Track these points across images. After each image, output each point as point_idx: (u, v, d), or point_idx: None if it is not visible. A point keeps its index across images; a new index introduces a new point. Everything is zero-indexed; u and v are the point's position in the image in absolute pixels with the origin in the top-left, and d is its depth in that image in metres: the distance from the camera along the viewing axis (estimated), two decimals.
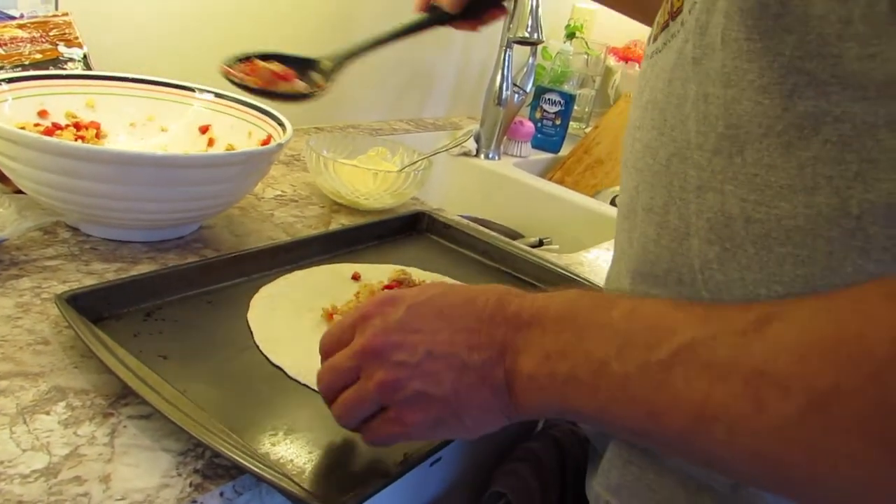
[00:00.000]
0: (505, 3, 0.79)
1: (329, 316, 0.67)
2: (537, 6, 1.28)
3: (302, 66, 0.72)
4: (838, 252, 0.37)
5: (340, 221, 0.92)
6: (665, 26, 0.47)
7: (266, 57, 0.71)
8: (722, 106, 0.40)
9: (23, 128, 0.76)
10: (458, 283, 0.48)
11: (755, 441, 0.32)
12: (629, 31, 2.13)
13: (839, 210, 0.36)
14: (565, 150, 1.68)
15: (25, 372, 0.53)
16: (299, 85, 0.69)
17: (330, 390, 0.47)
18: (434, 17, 0.75)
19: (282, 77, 0.68)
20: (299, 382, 0.58)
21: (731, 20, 0.39)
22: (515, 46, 1.39)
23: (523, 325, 0.42)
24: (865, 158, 0.35)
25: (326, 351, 0.48)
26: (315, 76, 0.71)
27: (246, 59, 0.69)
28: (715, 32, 0.40)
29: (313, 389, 0.58)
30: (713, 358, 0.34)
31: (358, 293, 0.70)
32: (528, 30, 1.29)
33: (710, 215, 0.42)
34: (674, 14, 0.46)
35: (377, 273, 0.78)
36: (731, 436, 0.33)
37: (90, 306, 0.60)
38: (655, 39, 0.49)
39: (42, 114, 0.80)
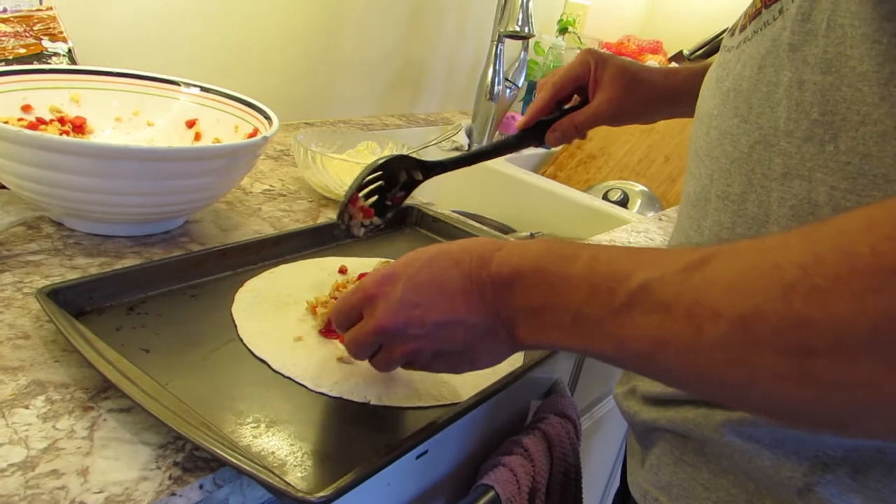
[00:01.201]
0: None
1: (314, 309, 0.67)
2: (528, 0, 1.28)
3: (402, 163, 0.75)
4: None
5: (329, 216, 0.92)
6: (756, 15, 0.48)
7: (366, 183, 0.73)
8: (818, 93, 0.41)
9: (6, 122, 0.75)
10: (441, 243, 0.51)
11: (697, 360, 0.36)
12: (622, 26, 2.13)
13: None
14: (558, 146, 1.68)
15: (4, 366, 0.52)
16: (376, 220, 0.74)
17: (358, 357, 0.54)
18: (527, 138, 0.82)
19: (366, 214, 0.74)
20: (283, 375, 0.58)
21: (839, 6, 0.40)
22: (507, 41, 1.38)
23: (505, 284, 0.46)
24: None
25: (339, 326, 0.54)
26: (402, 176, 0.75)
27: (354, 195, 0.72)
28: (820, 19, 0.41)
29: (297, 383, 0.57)
30: (662, 294, 0.37)
31: (337, 286, 0.69)
32: (519, 24, 1.28)
33: (793, 203, 0.42)
34: (767, 2, 0.46)
35: (364, 267, 0.78)
36: (679, 357, 0.37)
37: (72, 300, 0.59)
38: (743, 29, 0.50)
39: (26, 108, 0.80)
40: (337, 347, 0.63)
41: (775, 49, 0.44)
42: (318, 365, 0.60)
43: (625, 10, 2.15)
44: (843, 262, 0.31)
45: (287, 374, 0.58)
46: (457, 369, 0.52)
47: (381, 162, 0.72)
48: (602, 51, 0.80)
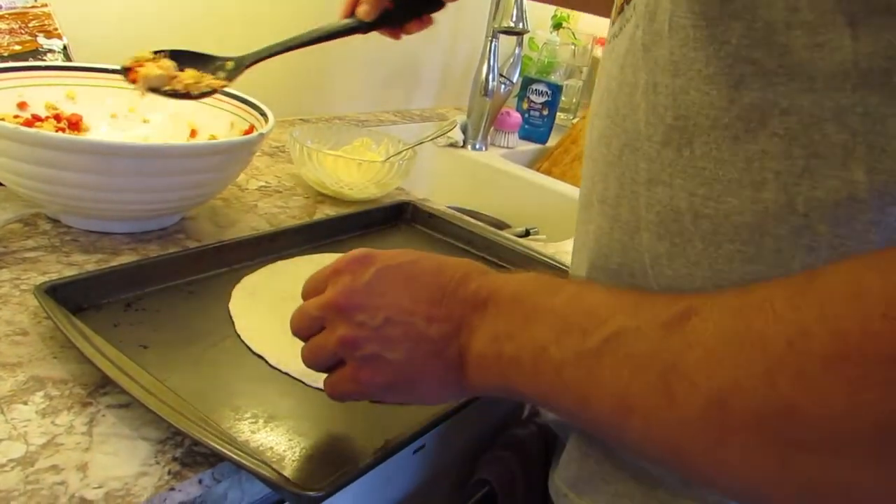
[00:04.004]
0: (430, 15, 0.81)
1: None
2: None
3: (204, 62, 0.74)
4: (786, 250, 0.36)
5: (325, 212, 0.92)
6: (620, 10, 0.46)
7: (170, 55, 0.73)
8: (670, 96, 0.39)
9: (1, 119, 0.75)
10: (432, 253, 0.48)
11: (666, 432, 0.33)
12: None
13: (786, 207, 0.36)
14: (553, 141, 1.68)
15: (3, 362, 0.52)
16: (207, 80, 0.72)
17: (298, 333, 0.50)
18: (355, 24, 0.77)
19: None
20: (280, 371, 0.58)
21: (679, 6, 0.38)
22: (501, 37, 1.39)
23: (479, 305, 0.42)
24: (812, 153, 0.35)
25: (304, 296, 0.50)
26: (220, 74, 0.74)
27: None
28: (663, 19, 0.39)
29: (295, 378, 0.58)
30: (635, 349, 0.34)
31: None
32: (514, 20, 1.28)
33: (659, 209, 0.41)
34: None
35: None
36: (646, 426, 0.34)
37: (69, 297, 0.59)
38: (613, 24, 0.48)
39: (21, 105, 0.80)
40: None
41: (632, 49, 0.42)
42: None
43: None
44: (832, 343, 0.27)
45: (284, 369, 0.58)
46: (389, 390, 0.45)
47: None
48: None
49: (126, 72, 0.69)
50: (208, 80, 0.71)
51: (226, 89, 0.87)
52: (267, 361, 0.59)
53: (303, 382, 0.57)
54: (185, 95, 0.70)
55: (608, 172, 0.45)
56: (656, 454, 0.35)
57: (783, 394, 0.28)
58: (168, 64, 0.70)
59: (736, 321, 0.31)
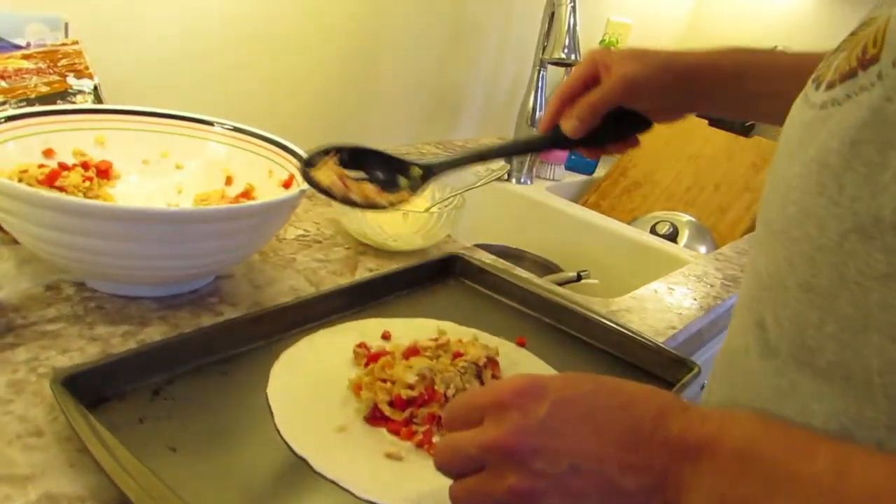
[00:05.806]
0: (638, 136, 0.75)
1: (356, 389, 0.60)
2: (575, 24, 1.21)
3: (389, 165, 0.69)
4: None
5: (367, 265, 0.85)
6: (851, 75, 0.40)
7: (353, 152, 0.68)
8: None
9: (25, 170, 0.69)
10: (609, 377, 0.41)
11: None
12: (665, 46, 2.04)
13: None
14: (599, 172, 1.61)
15: (13, 474, 0.46)
16: (380, 198, 0.67)
17: (444, 468, 0.43)
18: (554, 139, 0.71)
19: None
20: (325, 478, 0.51)
21: None
22: (549, 66, 1.31)
23: (691, 454, 0.36)
24: None
25: (449, 423, 0.44)
26: (402, 181, 0.69)
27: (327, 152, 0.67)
28: None
29: (342, 488, 0.51)
30: None
31: (383, 366, 0.62)
32: (566, 51, 1.21)
33: None
34: (865, 63, 0.39)
35: (410, 331, 0.71)
36: None
37: (90, 387, 0.53)
38: (831, 87, 0.42)
39: (47, 153, 0.74)
40: (385, 438, 0.57)
41: (877, 123, 0.37)
42: (365, 463, 0.53)
43: (666, 27, 2.07)
44: None
45: (330, 476, 0.51)
46: None
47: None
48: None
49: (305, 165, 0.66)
50: (391, 198, 0.67)
51: (262, 133, 0.82)
52: (310, 465, 0.52)
53: (352, 493, 0.50)
54: (372, 206, 0.66)
55: (818, 258, 0.40)
56: None
57: None
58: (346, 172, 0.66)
59: None
